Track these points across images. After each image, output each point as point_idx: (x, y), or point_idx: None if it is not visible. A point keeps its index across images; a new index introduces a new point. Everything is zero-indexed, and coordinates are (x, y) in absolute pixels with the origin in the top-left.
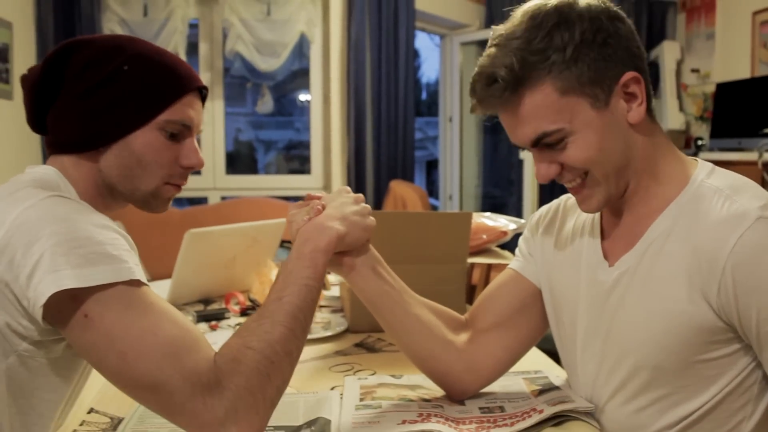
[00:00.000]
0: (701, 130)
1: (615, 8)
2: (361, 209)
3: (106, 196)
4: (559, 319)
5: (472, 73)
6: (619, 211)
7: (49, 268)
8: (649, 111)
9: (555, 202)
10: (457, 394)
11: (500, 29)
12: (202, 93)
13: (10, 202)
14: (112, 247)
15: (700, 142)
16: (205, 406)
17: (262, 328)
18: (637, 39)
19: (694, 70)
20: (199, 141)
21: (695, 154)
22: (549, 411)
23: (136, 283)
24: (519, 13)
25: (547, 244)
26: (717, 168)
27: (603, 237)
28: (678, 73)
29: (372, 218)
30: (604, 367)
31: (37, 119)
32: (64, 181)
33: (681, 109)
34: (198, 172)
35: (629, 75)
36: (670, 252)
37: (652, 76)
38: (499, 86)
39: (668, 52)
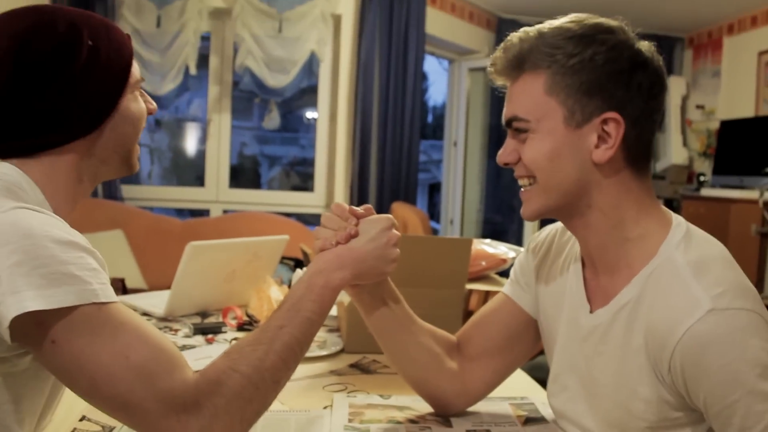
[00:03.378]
0: (704, 166)
1: (649, 59)
2: (389, 254)
3: (84, 181)
4: (546, 345)
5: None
6: (594, 264)
7: (8, 288)
8: (636, 162)
9: (551, 228)
10: (445, 413)
11: (554, 21)
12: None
13: None
14: (76, 267)
15: (702, 178)
16: (179, 423)
17: (255, 354)
18: (650, 94)
19: (699, 107)
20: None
21: (697, 190)
22: None
23: (104, 305)
24: (572, 15)
25: (540, 274)
26: (691, 231)
27: (586, 280)
28: (683, 109)
29: (393, 265)
30: (578, 407)
31: None
32: (27, 180)
33: (685, 144)
34: (201, 183)
35: (612, 115)
36: (636, 322)
37: None
38: (508, 55)
39: (674, 88)
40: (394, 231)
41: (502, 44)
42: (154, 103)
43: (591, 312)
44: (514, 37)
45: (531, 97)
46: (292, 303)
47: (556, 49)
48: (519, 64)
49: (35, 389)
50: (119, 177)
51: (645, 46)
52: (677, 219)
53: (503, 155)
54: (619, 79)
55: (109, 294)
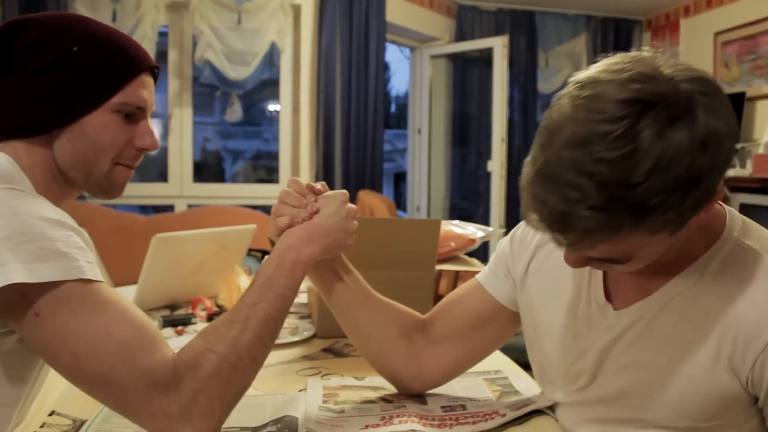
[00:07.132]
0: None
1: (722, 100)
2: (349, 226)
3: (61, 183)
4: (536, 338)
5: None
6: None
7: None
8: None
9: None
10: (406, 393)
11: (583, 91)
12: (154, 72)
13: None
14: (64, 244)
15: None
16: (159, 404)
17: (230, 333)
18: (732, 151)
19: None
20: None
21: None
22: (512, 415)
23: (89, 282)
24: (612, 91)
25: (535, 263)
26: (747, 221)
27: (605, 276)
28: None
29: (353, 237)
30: (586, 410)
31: None
32: (17, 169)
33: None
34: (165, 179)
35: (710, 206)
36: (699, 313)
37: None
38: (575, 236)
39: None
40: (350, 204)
41: (539, 198)
42: (150, 141)
43: (615, 309)
44: (552, 175)
45: (631, 246)
46: (263, 280)
47: (645, 204)
48: (598, 237)
49: (20, 374)
50: (95, 196)
51: None
52: (728, 207)
53: (574, 266)
54: (708, 177)
55: (95, 273)
